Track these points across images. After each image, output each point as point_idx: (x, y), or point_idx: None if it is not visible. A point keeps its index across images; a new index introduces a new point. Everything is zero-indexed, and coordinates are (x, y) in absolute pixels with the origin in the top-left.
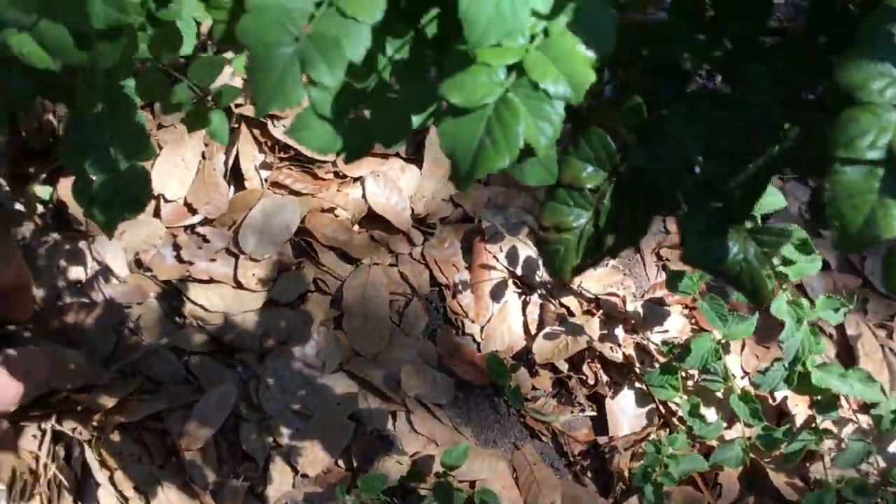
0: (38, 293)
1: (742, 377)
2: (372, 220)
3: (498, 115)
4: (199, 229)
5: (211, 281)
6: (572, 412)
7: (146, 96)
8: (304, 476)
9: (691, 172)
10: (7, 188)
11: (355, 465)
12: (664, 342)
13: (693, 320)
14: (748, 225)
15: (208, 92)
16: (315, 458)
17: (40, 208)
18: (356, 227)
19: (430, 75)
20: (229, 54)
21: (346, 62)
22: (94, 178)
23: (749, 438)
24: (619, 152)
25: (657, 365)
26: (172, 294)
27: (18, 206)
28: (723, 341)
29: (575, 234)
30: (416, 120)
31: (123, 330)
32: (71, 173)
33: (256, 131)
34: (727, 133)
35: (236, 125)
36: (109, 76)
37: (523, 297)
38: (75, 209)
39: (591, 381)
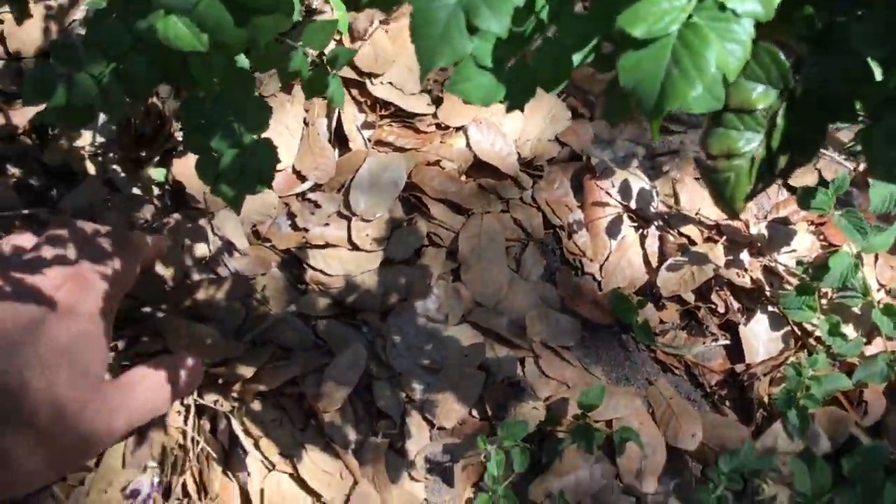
0: (168, 272)
1: (878, 290)
2: (479, 168)
3: (684, 42)
4: (310, 195)
5: (327, 245)
6: (704, 343)
7: (263, 67)
8: (441, 429)
9: (871, 80)
10: (122, 174)
11: (490, 413)
12: (798, 262)
13: (821, 237)
14: None
15: (322, 56)
16: (450, 410)
17: (156, 190)
18: (463, 178)
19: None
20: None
21: (511, 6)
22: (218, 155)
23: (893, 352)
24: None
25: (788, 287)
26: (292, 262)
27: (136, 191)
28: (859, 255)
29: (746, 160)
30: (576, 58)
31: (251, 301)
32: (187, 153)
33: (355, 91)
34: None
35: None
36: (228, 52)
37: (640, 230)
38: (192, 188)
39: (721, 310)
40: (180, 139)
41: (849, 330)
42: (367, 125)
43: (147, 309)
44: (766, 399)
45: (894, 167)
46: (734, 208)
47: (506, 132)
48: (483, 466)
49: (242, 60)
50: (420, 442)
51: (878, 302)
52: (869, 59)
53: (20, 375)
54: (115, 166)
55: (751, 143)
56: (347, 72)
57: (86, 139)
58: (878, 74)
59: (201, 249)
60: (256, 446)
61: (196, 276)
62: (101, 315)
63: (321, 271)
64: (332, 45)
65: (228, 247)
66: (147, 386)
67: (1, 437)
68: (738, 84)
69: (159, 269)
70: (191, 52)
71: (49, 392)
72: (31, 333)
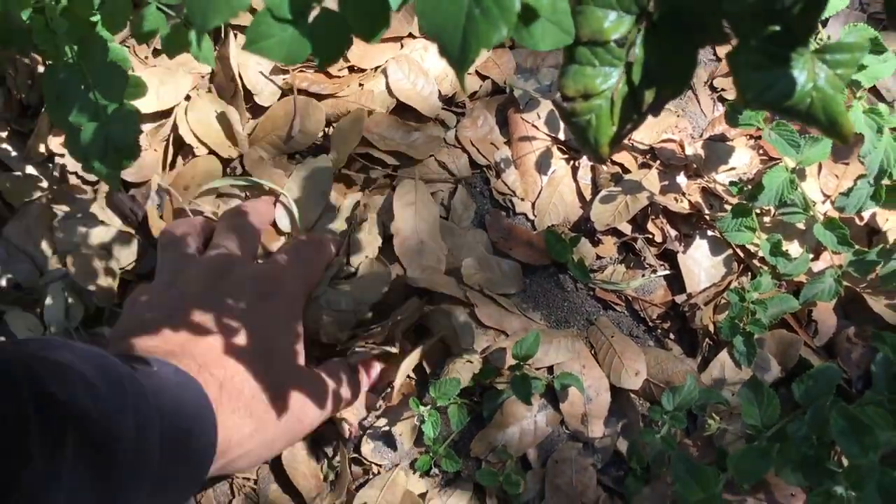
0: None
1: (823, 202)
2: (400, 111)
3: None
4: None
5: None
6: (644, 275)
7: (113, 27)
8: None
9: None
10: (13, 152)
11: (428, 372)
12: (732, 183)
13: (761, 151)
14: (813, 46)
15: (181, 10)
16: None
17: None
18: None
19: None
20: None
21: None
22: (82, 129)
23: (840, 267)
24: None
25: (727, 208)
26: None
27: (30, 169)
28: (797, 168)
29: (606, 98)
30: (394, 1)
31: None
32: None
33: None
34: None
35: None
36: (71, 12)
37: (571, 162)
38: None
39: (659, 239)
40: None
41: (793, 248)
42: (277, 70)
43: None
44: (711, 328)
45: (764, 93)
46: (599, 153)
47: (427, 69)
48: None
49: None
50: (360, 412)
51: (823, 215)
52: None
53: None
54: (4, 144)
55: (609, 80)
56: (243, 17)
57: None
58: None
59: None
60: None
61: None
62: (298, 305)
63: None
64: None
65: None
66: (340, 380)
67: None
68: (588, 12)
69: None
70: (31, 15)
71: (264, 379)
72: (244, 322)
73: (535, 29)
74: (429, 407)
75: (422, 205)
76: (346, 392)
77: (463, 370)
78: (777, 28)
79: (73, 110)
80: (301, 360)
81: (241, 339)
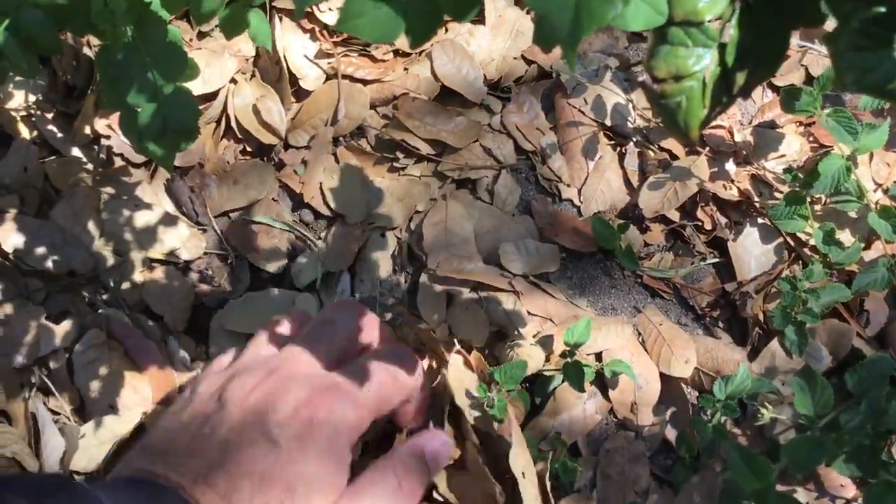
0: None
1: (875, 190)
2: (446, 95)
3: None
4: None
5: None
6: (692, 263)
7: (172, 7)
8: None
9: None
10: (59, 133)
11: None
12: (786, 170)
13: (811, 138)
14: None
15: None
16: None
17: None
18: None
19: None
20: None
21: None
22: (140, 110)
23: (893, 256)
24: None
25: (779, 195)
26: None
27: (75, 151)
28: (851, 156)
29: (698, 80)
30: None
31: None
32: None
33: (304, 21)
34: None
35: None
36: None
37: (618, 148)
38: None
39: (708, 226)
40: None
41: (845, 236)
42: (322, 54)
43: None
44: (761, 317)
45: (865, 76)
46: (689, 136)
47: (472, 53)
48: None
49: (156, 3)
50: None
51: (876, 203)
52: None
53: None
54: (50, 126)
55: (702, 61)
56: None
57: (18, 100)
58: None
59: None
60: None
61: None
62: (341, 448)
63: None
64: None
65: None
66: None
67: None
68: None
69: None
70: None
71: None
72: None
73: (631, 8)
74: (494, 393)
75: (452, 222)
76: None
77: (523, 356)
78: (881, 9)
79: (131, 91)
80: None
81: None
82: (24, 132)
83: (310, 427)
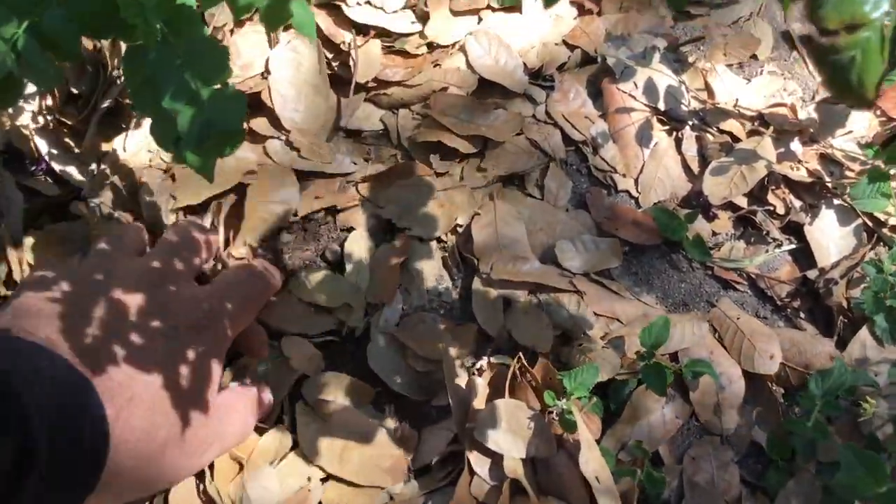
0: None
1: None
2: (485, 88)
3: None
4: None
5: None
6: (767, 250)
7: (208, 2)
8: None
9: None
10: (55, 151)
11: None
12: (866, 145)
13: (878, 112)
14: None
15: None
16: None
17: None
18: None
19: None
20: None
21: None
22: (174, 115)
23: None
24: None
25: (850, 174)
26: None
27: (72, 171)
28: None
29: (877, 29)
30: None
31: None
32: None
33: (328, 19)
34: None
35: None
36: None
37: (674, 133)
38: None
39: (781, 211)
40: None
41: None
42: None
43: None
44: (845, 305)
45: None
46: (864, 97)
47: (509, 42)
48: None
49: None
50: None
51: None
52: None
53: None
54: (66, 140)
55: (881, 6)
56: None
57: (30, 114)
58: None
59: None
60: None
61: None
62: (225, 346)
63: None
64: None
65: None
66: (237, 414)
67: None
68: None
69: None
70: None
71: (170, 416)
72: (166, 349)
73: None
74: (565, 400)
75: (502, 223)
76: (245, 425)
77: (595, 360)
78: None
79: (167, 95)
80: (212, 396)
81: (157, 367)
82: (44, 148)
83: (195, 328)
